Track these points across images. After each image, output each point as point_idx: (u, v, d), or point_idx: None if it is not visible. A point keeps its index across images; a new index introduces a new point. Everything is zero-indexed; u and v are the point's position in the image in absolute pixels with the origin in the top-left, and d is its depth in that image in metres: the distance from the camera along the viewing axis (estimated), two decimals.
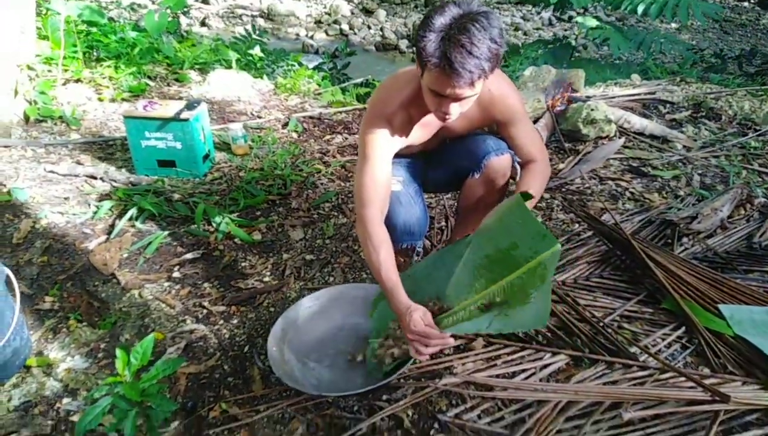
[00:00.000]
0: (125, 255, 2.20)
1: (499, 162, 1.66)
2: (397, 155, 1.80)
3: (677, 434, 1.39)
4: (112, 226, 2.36)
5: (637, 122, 3.25)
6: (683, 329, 1.74)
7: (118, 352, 1.32)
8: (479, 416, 1.48)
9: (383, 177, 1.54)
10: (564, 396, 1.39)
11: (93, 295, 2.00)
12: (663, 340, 1.70)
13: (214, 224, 2.35)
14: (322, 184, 2.71)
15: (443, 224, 2.38)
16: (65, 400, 1.59)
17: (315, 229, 2.34)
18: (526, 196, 1.43)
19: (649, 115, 3.50)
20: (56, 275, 2.10)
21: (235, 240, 2.28)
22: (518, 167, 1.68)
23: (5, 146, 3.00)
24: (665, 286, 1.80)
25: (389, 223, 1.67)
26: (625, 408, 1.40)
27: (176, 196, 2.57)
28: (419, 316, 1.41)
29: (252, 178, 2.69)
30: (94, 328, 1.86)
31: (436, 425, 1.47)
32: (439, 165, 1.84)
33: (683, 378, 1.51)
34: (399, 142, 1.57)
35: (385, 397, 1.55)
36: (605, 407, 1.44)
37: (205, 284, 2.05)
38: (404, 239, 1.71)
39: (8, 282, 1.65)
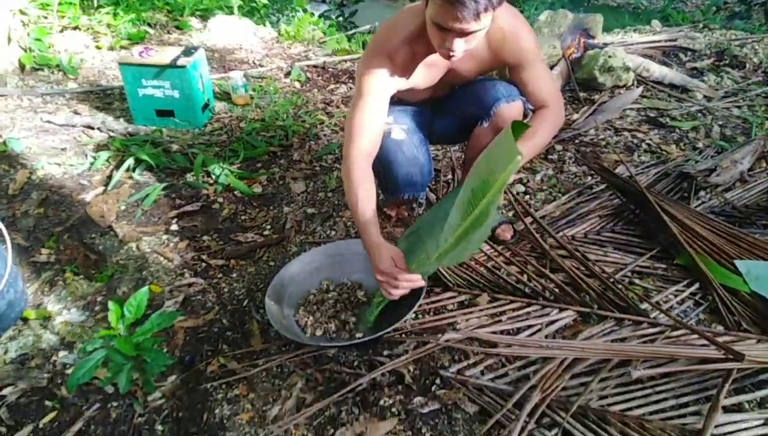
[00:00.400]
0: (123, 207, 2.15)
1: (510, 109, 1.56)
2: (403, 103, 1.70)
3: (687, 392, 1.34)
4: (110, 177, 2.30)
5: (657, 70, 3.09)
6: (697, 285, 1.67)
7: (111, 305, 1.28)
8: (482, 372, 1.44)
9: (376, 115, 1.45)
10: (570, 353, 1.34)
11: (90, 247, 1.96)
12: (675, 296, 1.64)
13: (213, 176, 2.28)
14: (325, 135, 2.62)
15: (450, 176, 2.30)
16: (61, 353, 1.57)
17: (317, 181, 2.27)
18: (520, 126, 1.26)
19: (669, 64, 3.33)
20: (53, 226, 2.06)
21: (235, 193, 2.21)
22: (530, 115, 1.58)
23: (1, 95, 2.92)
24: (680, 241, 1.73)
25: (391, 172, 1.60)
26: (634, 366, 1.35)
27: (175, 147, 2.49)
28: (389, 255, 1.37)
29: (253, 129, 2.61)
30: (91, 281, 1.83)
31: (437, 381, 1.43)
32: (447, 113, 1.75)
33: (695, 336, 1.45)
34: (399, 82, 1.47)
35: (386, 352, 1.51)
36: (613, 365, 1.40)
37: (204, 237, 2.00)
38: (406, 190, 1.64)
39: None
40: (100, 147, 2.52)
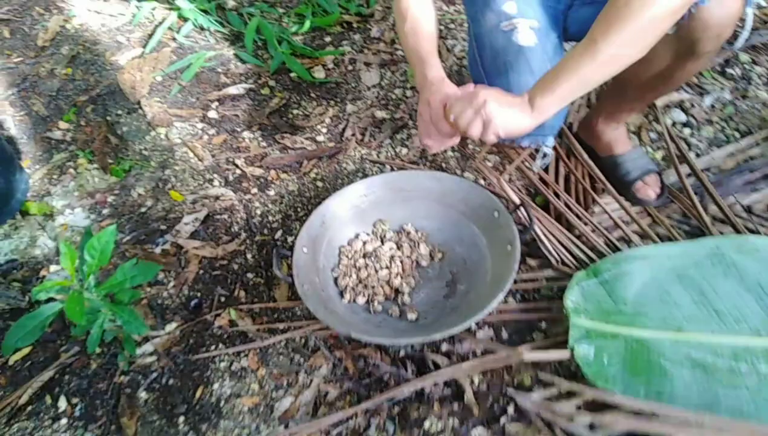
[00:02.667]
0: (159, 78, 1.76)
1: (722, 10, 0.91)
2: None
3: None
4: (151, 36, 1.89)
5: None
6: None
7: (63, 247, 0.92)
8: (578, 408, 0.99)
9: None
10: None
11: (112, 128, 1.61)
12: None
13: (269, 50, 1.80)
14: None
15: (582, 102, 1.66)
16: (53, 267, 1.29)
17: (396, 72, 1.72)
18: None
19: None
20: (77, 93, 1.72)
21: (291, 75, 1.73)
22: (749, 22, 0.93)
23: None
24: None
25: None
26: None
27: (231, 2, 2.00)
28: (438, 99, 0.96)
29: None
30: (105, 173, 1.50)
31: (510, 409, 1.01)
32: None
33: None
34: None
35: (445, 348, 1.09)
36: None
37: (245, 134, 1.58)
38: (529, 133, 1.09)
39: None
40: None
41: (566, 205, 1.28)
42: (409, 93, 1.63)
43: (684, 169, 1.35)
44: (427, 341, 1.05)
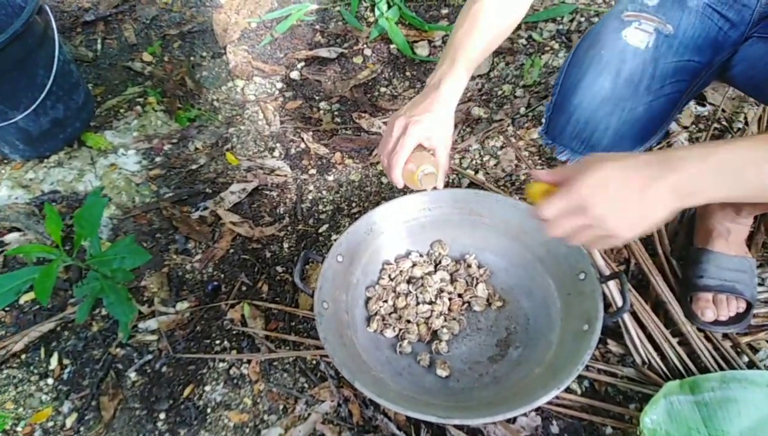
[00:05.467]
0: (253, 25, 1.63)
1: None
2: None
3: None
4: None
5: None
6: None
7: (47, 210, 0.81)
8: None
9: None
10: None
11: (192, 70, 1.51)
12: None
13: (376, 12, 1.59)
14: None
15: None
16: None
17: (511, 64, 1.45)
18: None
19: None
20: (170, 26, 1.64)
21: (391, 47, 1.53)
22: None
23: None
24: None
25: (570, 101, 0.83)
26: None
27: None
28: (415, 134, 0.74)
29: None
30: (170, 117, 1.40)
31: None
32: None
33: None
34: None
35: (472, 423, 0.87)
36: None
37: (322, 104, 1.41)
38: (573, 147, 0.86)
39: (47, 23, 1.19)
40: None
41: (671, 287, 0.97)
42: (519, 92, 1.37)
43: None
44: (442, 423, 0.84)
